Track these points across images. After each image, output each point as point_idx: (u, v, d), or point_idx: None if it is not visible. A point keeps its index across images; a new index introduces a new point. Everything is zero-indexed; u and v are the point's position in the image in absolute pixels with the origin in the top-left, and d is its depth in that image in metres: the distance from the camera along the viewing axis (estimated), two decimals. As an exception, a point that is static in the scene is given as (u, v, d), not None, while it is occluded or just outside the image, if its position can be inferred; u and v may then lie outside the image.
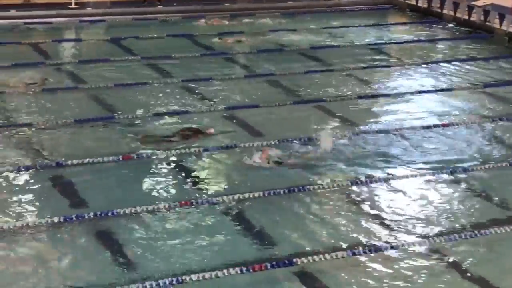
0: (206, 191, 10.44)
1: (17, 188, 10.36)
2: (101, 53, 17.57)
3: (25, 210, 9.76)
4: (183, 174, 11.00)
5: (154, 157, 11.48)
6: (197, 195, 10.30)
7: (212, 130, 12.61)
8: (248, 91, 15.04)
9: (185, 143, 12.04)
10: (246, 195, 10.25)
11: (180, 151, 11.70)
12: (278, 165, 11.27)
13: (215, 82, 15.49)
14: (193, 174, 11.02)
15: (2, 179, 10.54)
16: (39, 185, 10.51)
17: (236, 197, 10.20)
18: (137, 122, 13.02)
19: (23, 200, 10.05)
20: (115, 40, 18.53)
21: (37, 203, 10.02)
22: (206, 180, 10.85)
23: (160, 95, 14.52)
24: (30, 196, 10.18)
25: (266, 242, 9.23)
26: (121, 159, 11.37)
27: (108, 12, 20.99)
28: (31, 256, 8.73)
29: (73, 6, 20.85)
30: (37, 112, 13.25)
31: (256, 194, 10.28)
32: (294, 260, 8.66)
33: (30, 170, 10.86)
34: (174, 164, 11.33)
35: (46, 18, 20.10)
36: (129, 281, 8.18)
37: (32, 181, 10.61)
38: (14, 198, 10.06)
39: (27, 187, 10.42)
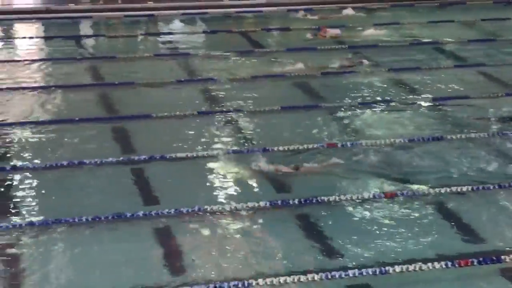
0: (412, 183, 10.24)
1: (225, 172, 10.67)
2: (306, 42, 17.71)
3: (231, 193, 10.05)
4: (388, 164, 10.86)
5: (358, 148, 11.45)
6: (403, 186, 10.13)
7: None
8: (457, 82, 14.61)
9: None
10: (453, 188, 9.96)
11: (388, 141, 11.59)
12: (295, 171, 10.69)
13: (423, 72, 15.18)
14: (400, 164, 10.86)
15: (211, 163, 10.89)
16: (245, 170, 10.78)
17: (442, 190, 9.94)
18: (341, 110, 13.01)
19: (229, 183, 10.35)
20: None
21: (244, 187, 10.27)
22: (412, 172, 10.64)
23: (367, 84, 14.44)
24: (237, 180, 10.46)
25: (472, 237, 8.93)
26: (325, 146, 11.42)
27: (315, 1, 21.12)
28: (236, 239, 8.97)
29: (282, -5, 21.22)
30: (246, 98, 13.57)
31: (464, 189, 9.96)
32: (502, 257, 8.30)
33: (238, 155, 11.16)
34: (380, 155, 11.21)
35: (256, 7, 20.58)
36: (330, 268, 8.18)
37: (238, 165, 10.89)
38: (222, 182, 10.39)
39: (233, 171, 10.71)
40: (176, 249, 8.73)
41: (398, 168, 10.74)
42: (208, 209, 9.51)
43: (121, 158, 11.02)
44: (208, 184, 10.31)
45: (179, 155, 11.08)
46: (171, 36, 18.18)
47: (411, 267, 8.11)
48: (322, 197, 9.72)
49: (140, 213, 9.40)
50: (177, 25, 19.45)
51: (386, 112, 12.99)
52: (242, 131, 12.19)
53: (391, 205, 9.63)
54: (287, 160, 10.93)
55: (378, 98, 13.65)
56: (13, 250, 8.62)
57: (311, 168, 10.74)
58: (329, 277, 8.01)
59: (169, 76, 14.82)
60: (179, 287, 7.88)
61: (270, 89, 14.23)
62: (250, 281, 7.92)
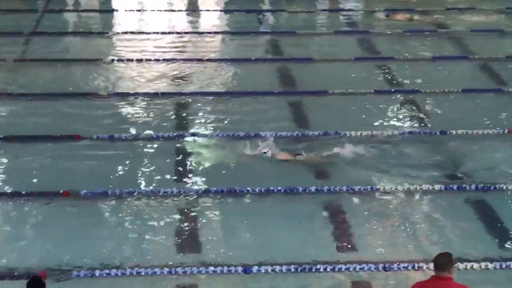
0: None
1: (398, 153, 10.54)
2: (494, 23, 17.05)
3: (405, 174, 9.86)
4: None
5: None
6: None
7: None
8: None
9: None
10: None
11: None
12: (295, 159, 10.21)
13: None
14: None
15: (386, 144, 10.77)
16: (421, 151, 10.60)
17: None
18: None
19: (404, 164, 10.18)
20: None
21: (418, 168, 10.05)
22: None
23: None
24: (411, 161, 10.29)
25: None
26: (506, 132, 11.01)
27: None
28: (407, 221, 8.84)
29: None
30: (425, 79, 13.28)
31: None
32: None
33: (413, 136, 10.98)
34: None
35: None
36: (503, 258, 7.93)
37: (414, 146, 10.70)
38: (397, 162, 10.24)
39: (408, 152, 10.55)
40: (346, 227, 8.73)
41: None
42: (381, 189, 9.45)
43: (295, 133, 11.12)
44: (381, 163, 10.19)
45: (353, 133, 11.03)
46: (351, 12, 18.03)
47: None
48: (501, 185, 9.41)
49: (312, 188, 9.46)
50: (356, 2, 19.25)
51: None
52: (419, 112, 11.97)
53: None
54: (461, 143, 10.66)
55: None
56: (190, 214, 8.96)
57: (311, 157, 10.35)
58: (503, 266, 7.75)
59: (348, 53, 14.73)
60: (348, 263, 7.89)
61: (451, 71, 13.85)
62: (420, 264, 7.81)
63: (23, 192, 9.26)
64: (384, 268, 7.83)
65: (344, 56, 14.52)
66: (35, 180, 9.64)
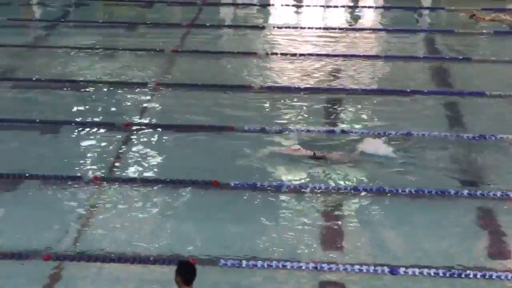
0: None
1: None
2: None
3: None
4: None
5: None
6: None
7: None
8: None
9: None
10: None
11: None
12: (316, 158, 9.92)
13: None
14: None
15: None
16: None
17: None
18: None
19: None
20: None
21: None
22: None
23: None
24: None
25: None
26: None
27: None
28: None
29: None
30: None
31: None
32: None
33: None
34: None
35: None
36: None
37: None
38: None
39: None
40: (498, 233, 8.43)
41: None
42: (537, 197, 9.09)
43: (448, 134, 10.84)
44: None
45: (510, 137, 10.64)
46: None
47: None
48: None
49: (465, 192, 9.19)
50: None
51: None
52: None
53: None
54: None
55: None
56: (337, 212, 8.91)
57: (338, 157, 10.10)
58: None
59: (508, 54, 14.20)
60: (499, 271, 7.61)
61: None
62: None
63: (176, 180, 9.52)
64: (539, 279, 7.52)
65: (504, 57, 14.01)
66: (188, 169, 9.86)
